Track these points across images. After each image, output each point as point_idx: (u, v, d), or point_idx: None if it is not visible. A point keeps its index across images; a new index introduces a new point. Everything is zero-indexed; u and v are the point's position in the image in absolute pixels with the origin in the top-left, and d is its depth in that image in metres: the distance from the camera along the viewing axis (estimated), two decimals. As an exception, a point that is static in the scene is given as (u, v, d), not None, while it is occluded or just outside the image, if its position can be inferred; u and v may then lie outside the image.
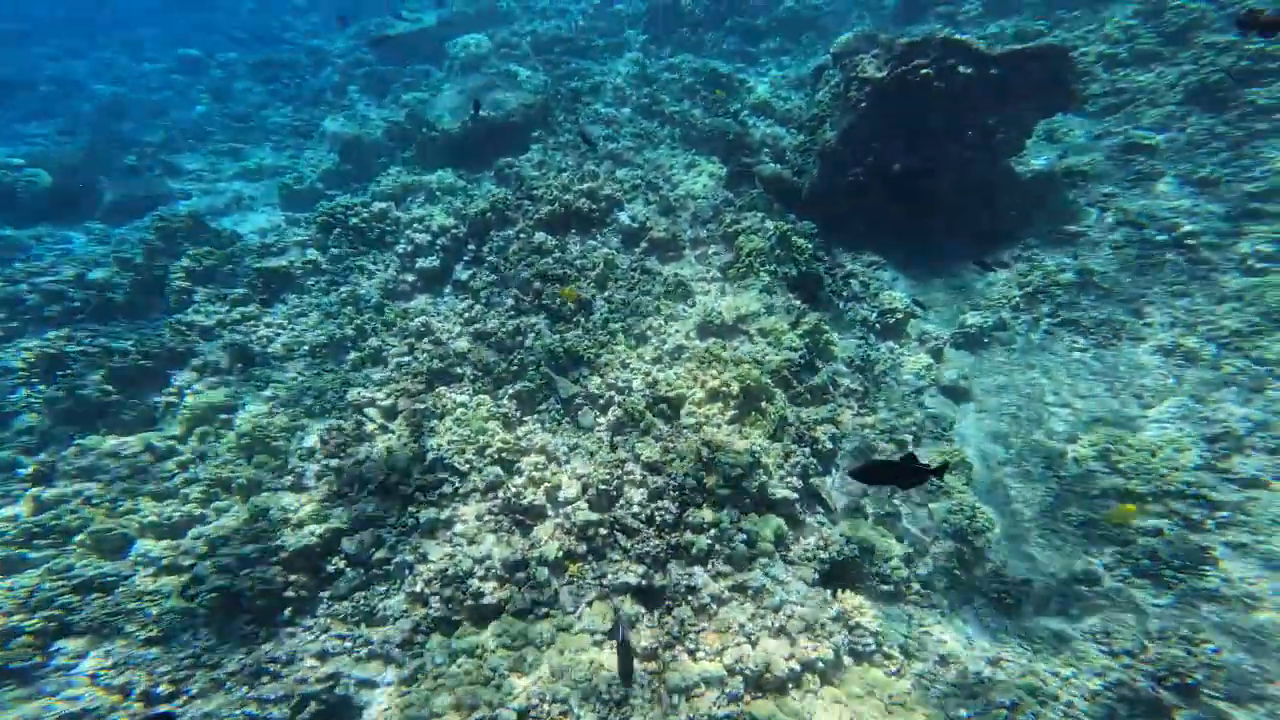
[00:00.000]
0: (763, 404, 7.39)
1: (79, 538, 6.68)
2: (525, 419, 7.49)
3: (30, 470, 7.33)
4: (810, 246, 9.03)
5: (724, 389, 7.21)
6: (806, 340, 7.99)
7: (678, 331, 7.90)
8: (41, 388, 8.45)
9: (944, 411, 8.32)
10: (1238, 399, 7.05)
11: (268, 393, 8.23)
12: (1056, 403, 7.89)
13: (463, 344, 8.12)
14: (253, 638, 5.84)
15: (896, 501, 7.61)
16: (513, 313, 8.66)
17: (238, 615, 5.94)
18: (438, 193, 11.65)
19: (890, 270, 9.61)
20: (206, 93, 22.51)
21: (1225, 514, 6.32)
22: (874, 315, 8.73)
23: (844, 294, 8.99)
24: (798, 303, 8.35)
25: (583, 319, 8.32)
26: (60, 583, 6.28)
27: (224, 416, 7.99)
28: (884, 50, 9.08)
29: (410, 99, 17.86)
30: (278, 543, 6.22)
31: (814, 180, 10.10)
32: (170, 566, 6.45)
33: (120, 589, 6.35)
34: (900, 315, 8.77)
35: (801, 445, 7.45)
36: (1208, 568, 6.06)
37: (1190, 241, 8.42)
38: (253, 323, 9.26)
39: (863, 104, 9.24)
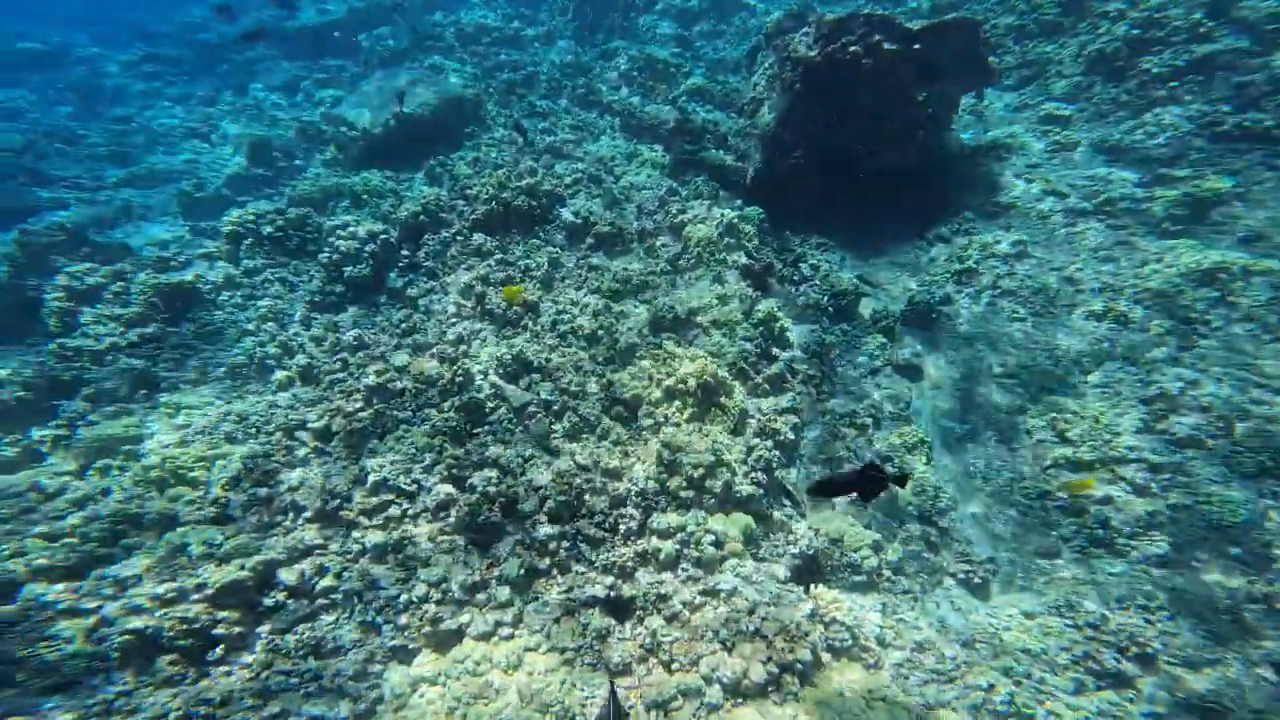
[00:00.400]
0: (721, 399, 7.19)
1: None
2: (476, 431, 7.00)
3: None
4: (757, 232, 8.89)
5: (680, 386, 6.95)
6: (761, 329, 7.84)
7: (630, 330, 7.58)
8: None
9: (900, 391, 8.37)
10: (1167, 359, 7.37)
11: (179, 419, 7.38)
12: (1003, 374, 8.06)
13: (402, 357, 7.52)
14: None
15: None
16: (454, 320, 8.11)
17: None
18: (364, 195, 10.84)
19: (837, 251, 9.60)
20: (71, 91, 20.17)
21: (1167, 476, 6.58)
22: (825, 298, 8.68)
23: (794, 279, 8.89)
24: (750, 291, 8.18)
25: (530, 323, 7.87)
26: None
27: (128, 448, 7.11)
28: (813, 29, 9.00)
29: (325, 96, 16.72)
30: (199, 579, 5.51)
31: (757, 165, 9.97)
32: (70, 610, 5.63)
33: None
34: (850, 296, 8.76)
35: (764, 439, 7.31)
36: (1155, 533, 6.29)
37: (1109, 208, 8.79)
38: (155, 345, 8.30)
39: (797, 85, 9.15)
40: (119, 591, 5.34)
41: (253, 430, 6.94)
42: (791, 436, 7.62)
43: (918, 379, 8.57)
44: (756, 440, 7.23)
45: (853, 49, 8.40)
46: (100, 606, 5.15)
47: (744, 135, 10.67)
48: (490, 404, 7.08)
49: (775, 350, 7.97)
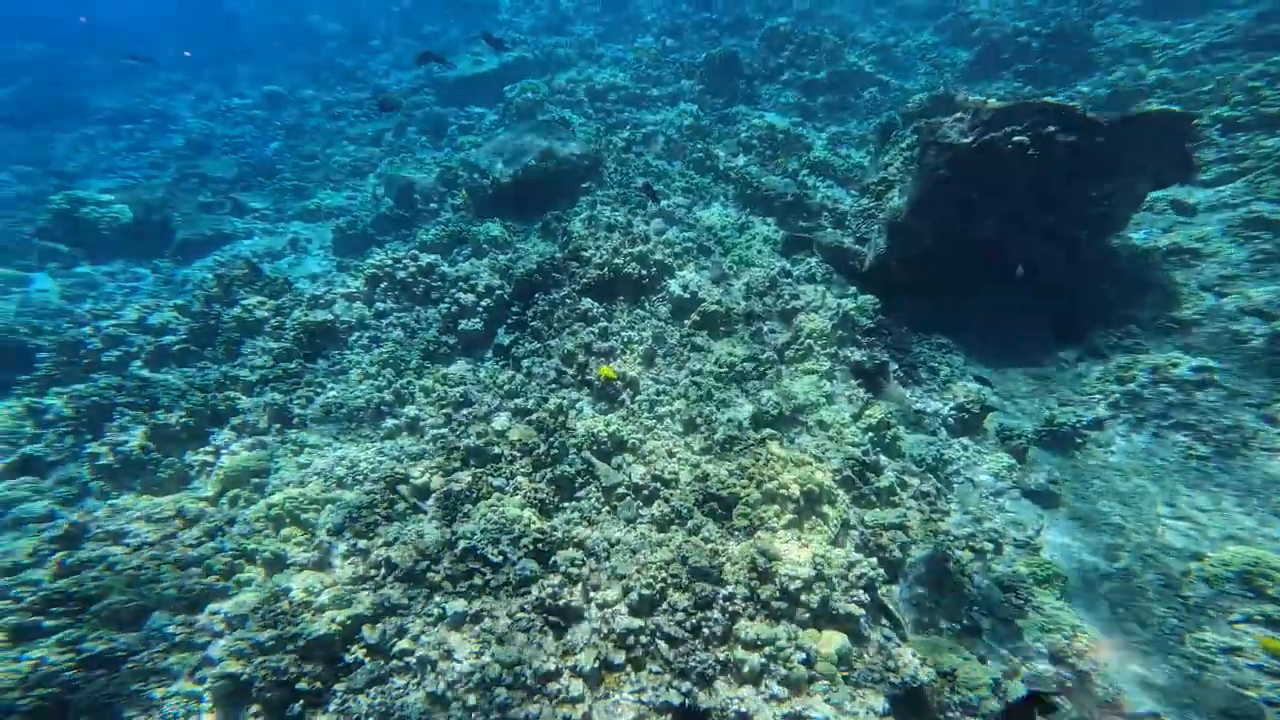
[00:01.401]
0: (824, 507, 6.67)
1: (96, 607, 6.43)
2: (564, 507, 6.96)
3: (62, 529, 7.20)
4: (874, 325, 8.34)
5: (782, 491, 6.53)
6: (871, 435, 7.26)
7: (730, 421, 7.29)
8: (89, 439, 8.47)
9: (1029, 518, 7.39)
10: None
11: (302, 458, 7.98)
12: (1171, 515, 6.88)
13: (502, 421, 7.71)
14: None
15: (976, 615, 6.74)
16: (554, 386, 8.24)
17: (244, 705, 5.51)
18: (484, 245, 11.50)
19: (962, 354, 8.79)
20: (283, 129, 23.57)
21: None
22: (946, 407, 7.93)
23: (912, 381, 8.22)
24: (861, 391, 7.64)
25: (628, 399, 7.81)
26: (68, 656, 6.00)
27: (256, 481, 7.77)
28: (970, 114, 8.45)
29: (465, 141, 18.18)
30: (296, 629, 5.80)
31: (879, 251, 9.46)
32: (183, 644, 6.12)
33: (129, 664, 6.04)
34: (975, 408, 7.94)
35: (868, 554, 6.69)
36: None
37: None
38: (294, 380, 9.13)
39: (941, 171, 8.61)
40: (227, 629, 5.71)
41: (361, 478, 7.34)
42: (898, 554, 6.92)
43: (1051, 506, 7.54)
44: (859, 555, 6.62)
45: (1017, 139, 7.77)
46: (208, 644, 5.52)
47: (866, 217, 10.22)
48: (580, 479, 7.04)
49: (885, 459, 7.34)
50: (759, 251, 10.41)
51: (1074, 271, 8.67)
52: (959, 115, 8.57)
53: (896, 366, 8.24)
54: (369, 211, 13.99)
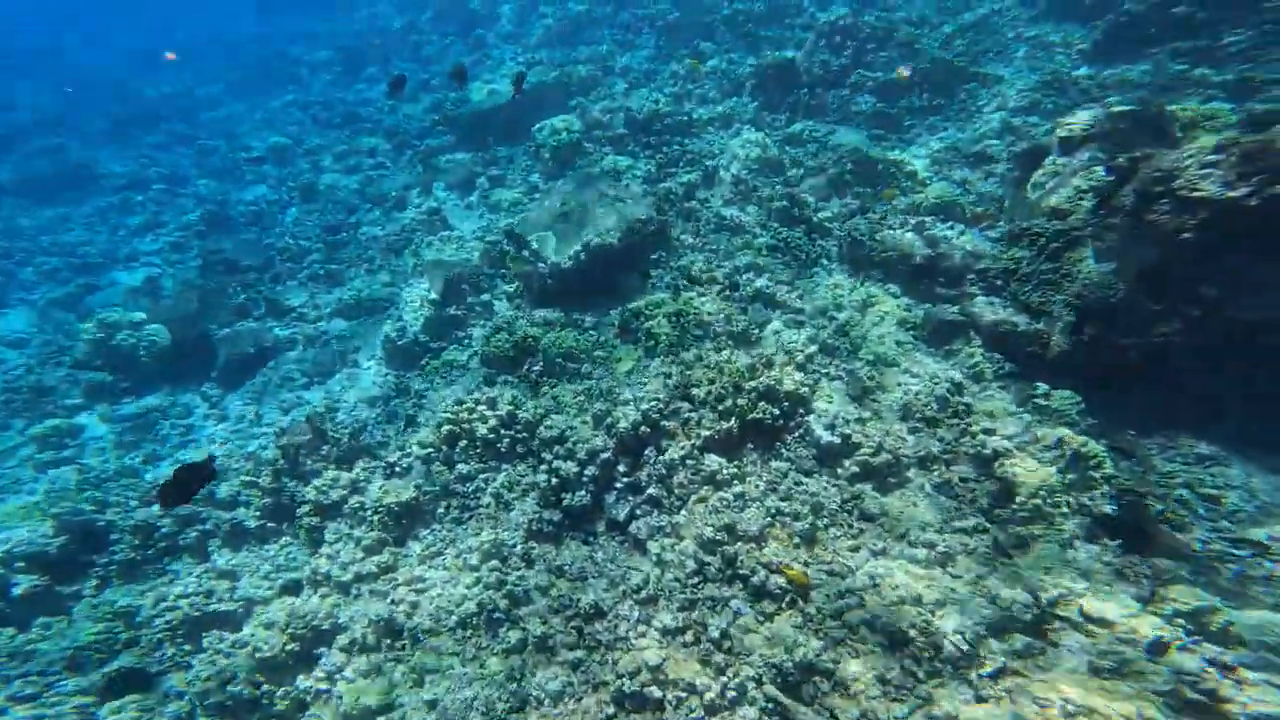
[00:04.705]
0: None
1: None
2: (751, 776, 5.61)
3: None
4: (1107, 455, 6.54)
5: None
6: (1184, 627, 5.59)
7: (958, 635, 5.72)
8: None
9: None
10: None
11: (426, 694, 6.83)
12: None
13: (650, 649, 6.33)
14: None
15: None
16: (697, 579, 6.81)
17: None
18: (557, 359, 9.99)
19: (1237, 465, 6.87)
20: (296, 190, 22.24)
21: None
22: (1250, 554, 6.04)
23: (1184, 524, 6.38)
24: (1145, 569, 5.88)
25: (800, 602, 6.33)
26: None
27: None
28: (1237, 158, 6.41)
29: (501, 199, 16.55)
30: None
31: (1075, 338, 7.60)
32: None
33: None
34: None
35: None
36: None
37: None
38: (389, 577, 7.98)
39: (1186, 234, 6.67)
40: None
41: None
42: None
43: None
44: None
45: None
46: None
47: (1037, 283, 8.28)
48: (770, 735, 5.65)
49: (1226, 658, 5.59)
50: (899, 344, 8.63)
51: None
52: (1210, 157, 6.55)
53: (1157, 504, 6.42)
54: (414, 313, 12.60)
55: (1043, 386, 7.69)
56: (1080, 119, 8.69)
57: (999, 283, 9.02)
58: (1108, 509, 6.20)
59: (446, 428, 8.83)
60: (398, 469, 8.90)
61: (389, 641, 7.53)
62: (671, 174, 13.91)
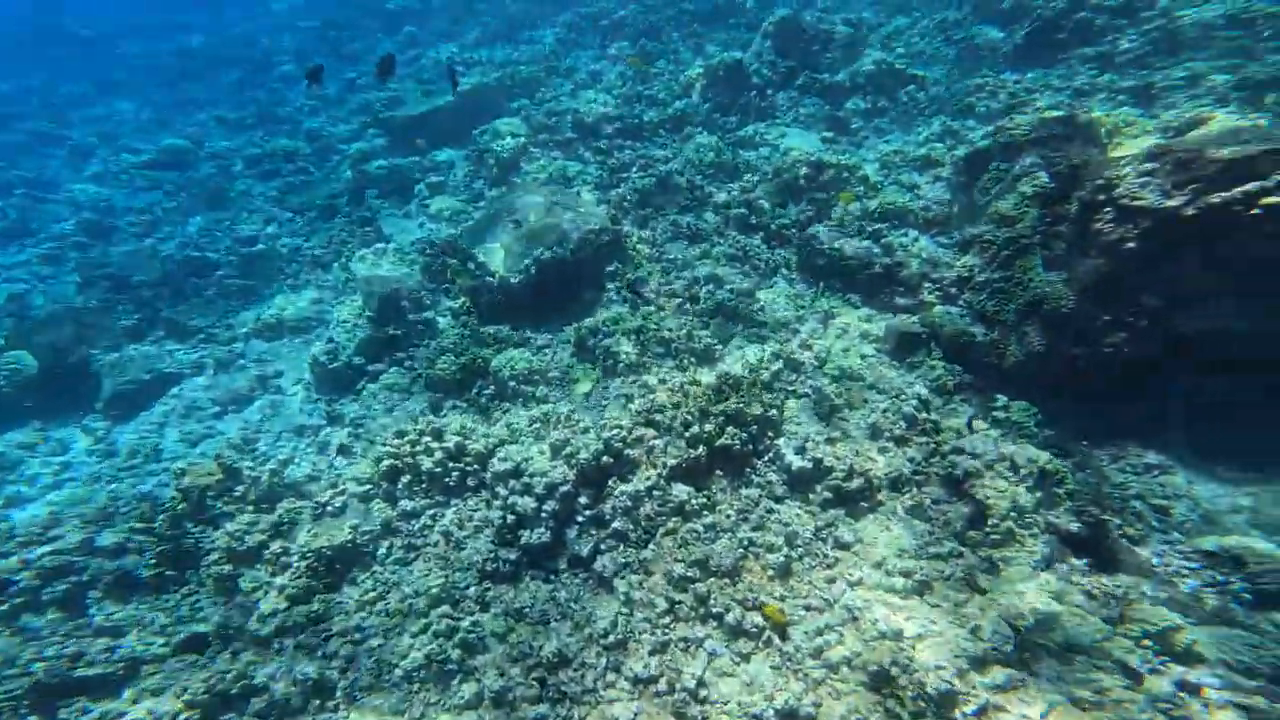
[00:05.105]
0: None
1: None
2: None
3: None
4: (1068, 471, 6.52)
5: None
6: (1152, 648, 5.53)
7: (942, 671, 5.50)
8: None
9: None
10: None
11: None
12: None
13: (621, 702, 5.82)
14: None
15: None
16: (667, 620, 6.35)
17: None
18: (510, 381, 9.33)
19: (1181, 473, 6.95)
20: (201, 199, 20.16)
21: None
22: (1231, 576, 6.03)
23: (1139, 537, 6.41)
24: (1111, 584, 5.81)
25: (778, 641, 5.98)
26: None
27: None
28: (1170, 166, 6.49)
29: (441, 209, 15.58)
30: None
31: (1034, 347, 7.61)
32: None
33: None
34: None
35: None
36: None
37: None
38: (324, 632, 7.10)
39: (1129, 244, 6.73)
40: None
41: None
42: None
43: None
44: None
45: (1268, 201, 5.88)
46: None
47: (991, 292, 8.30)
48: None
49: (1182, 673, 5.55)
50: (862, 357, 8.48)
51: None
52: (1145, 167, 6.62)
53: (1115, 519, 6.42)
54: (347, 333, 11.55)
55: (1002, 399, 7.69)
56: (1022, 121, 8.81)
57: (953, 290, 9.04)
58: (1074, 527, 6.16)
59: (386, 464, 8.01)
60: (331, 510, 7.99)
61: (318, 703, 6.66)
62: (624, 179, 13.42)
